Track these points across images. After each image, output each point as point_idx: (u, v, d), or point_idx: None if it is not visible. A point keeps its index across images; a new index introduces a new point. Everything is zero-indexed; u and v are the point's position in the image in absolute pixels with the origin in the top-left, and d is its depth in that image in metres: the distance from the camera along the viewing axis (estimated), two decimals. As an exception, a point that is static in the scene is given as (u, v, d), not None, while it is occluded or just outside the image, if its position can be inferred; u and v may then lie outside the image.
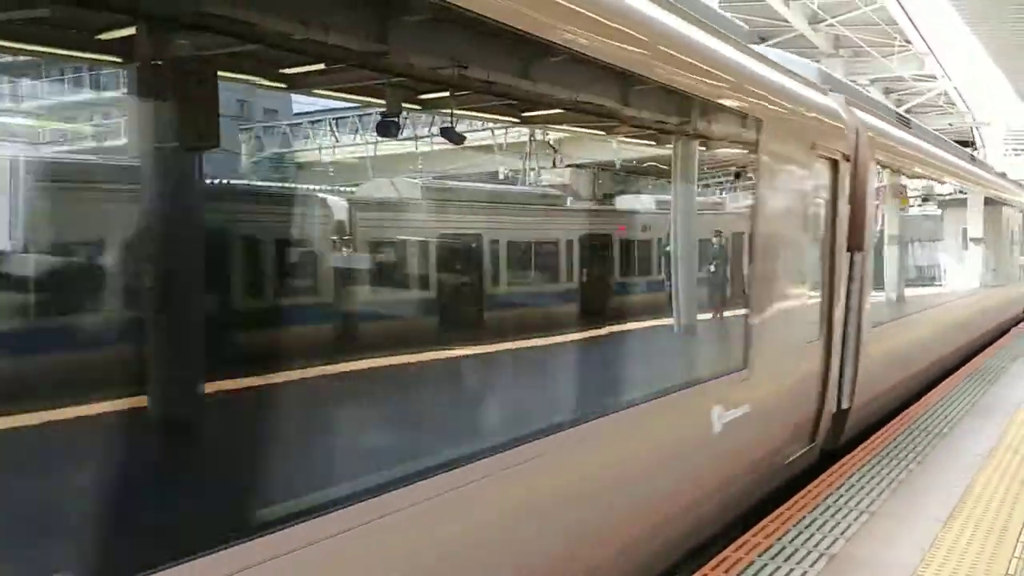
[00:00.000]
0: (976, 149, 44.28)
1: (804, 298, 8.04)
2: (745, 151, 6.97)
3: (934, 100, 32.33)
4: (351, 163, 4.85)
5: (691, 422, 6.18)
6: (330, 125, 4.92)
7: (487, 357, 4.74)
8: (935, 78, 29.64)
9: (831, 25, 24.91)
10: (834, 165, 8.51)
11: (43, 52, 2.97)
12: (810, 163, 7.94)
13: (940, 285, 14.47)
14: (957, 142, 43.70)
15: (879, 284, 10.37)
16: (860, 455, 8.74)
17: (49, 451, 2.87)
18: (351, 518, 3.51)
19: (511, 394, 5.02)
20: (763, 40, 28.05)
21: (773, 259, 7.35)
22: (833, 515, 6.95)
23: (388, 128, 4.28)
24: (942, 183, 13.80)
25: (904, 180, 11.35)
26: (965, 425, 10.22)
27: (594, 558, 5.20)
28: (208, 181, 3.44)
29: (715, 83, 6.39)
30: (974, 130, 40.04)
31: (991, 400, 11.80)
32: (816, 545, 6.31)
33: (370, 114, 4.54)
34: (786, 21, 24.40)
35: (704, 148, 6.63)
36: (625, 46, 5.21)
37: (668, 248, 6.35)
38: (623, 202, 6.67)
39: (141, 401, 3.07)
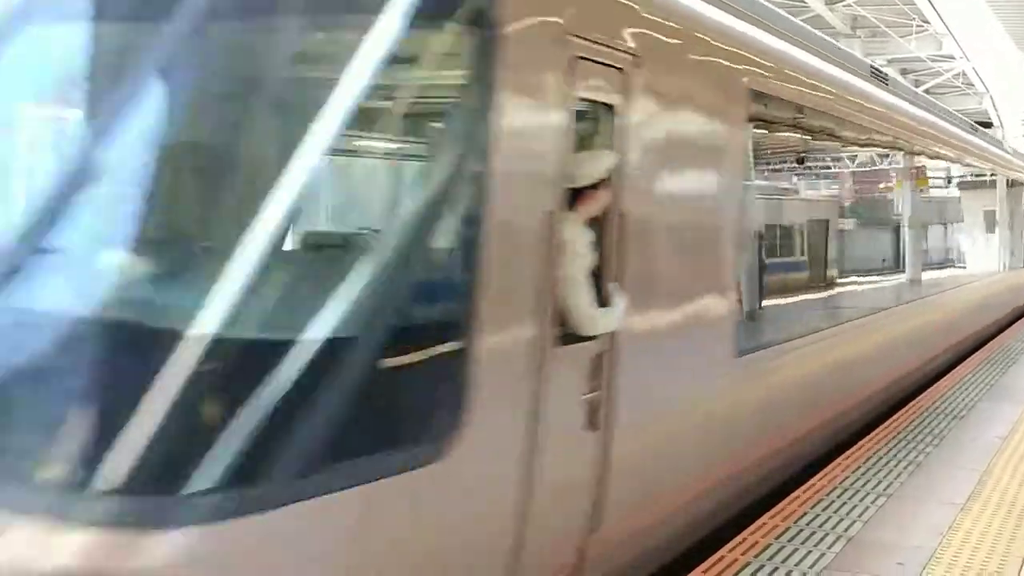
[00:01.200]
0: (996, 130, 43.95)
1: None
2: None
3: (952, 81, 32.00)
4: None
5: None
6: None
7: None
8: (953, 58, 29.32)
9: (848, 5, 24.67)
10: None
11: None
12: None
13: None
14: (977, 123, 43.33)
15: None
16: (877, 437, 8.71)
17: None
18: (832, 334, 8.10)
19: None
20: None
21: None
22: (851, 497, 6.93)
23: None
24: None
25: None
26: (983, 408, 10.17)
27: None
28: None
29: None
30: (992, 110, 39.68)
31: (1009, 382, 11.74)
32: (834, 527, 6.29)
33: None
34: (803, 1, 24.20)
35: None
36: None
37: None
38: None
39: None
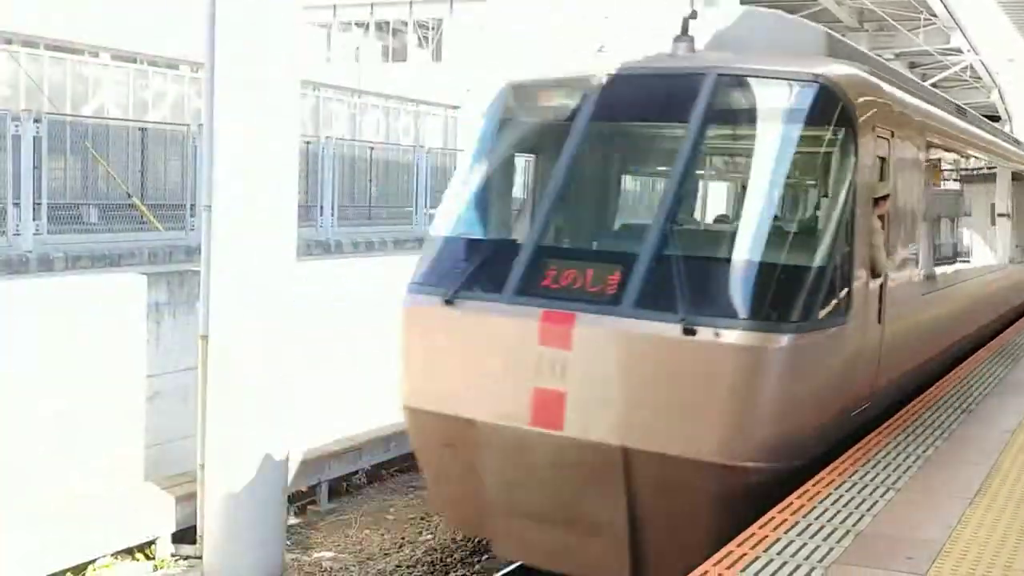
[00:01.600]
0: (1005, 122, 43.79)
1: None
2: None
3: (959, 74, 31.88)
4: None
5: None
6: None
7: None
8: (960, 52, 29.21)
9: (855, -1, 24.66)
10: None
11: None
12: None
13: None
14: (985, 116, 43.56)
15: None
16: (886, 431, 8.66)
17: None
18: None
19: None
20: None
21: None
22: (860, 492, 6.89)
23: None
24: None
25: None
26: (991, 402, 10.11)
27: None
28: None
29: None
30: (999, 104, 39.56)
31: (1017, 377, 11.68)
32: (843, 522, 6.26)
33: None
34: (811, -5, 24.19)
35: None
36: None
37: None
38: None
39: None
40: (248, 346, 9.30)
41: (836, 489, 6.93)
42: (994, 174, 13.48)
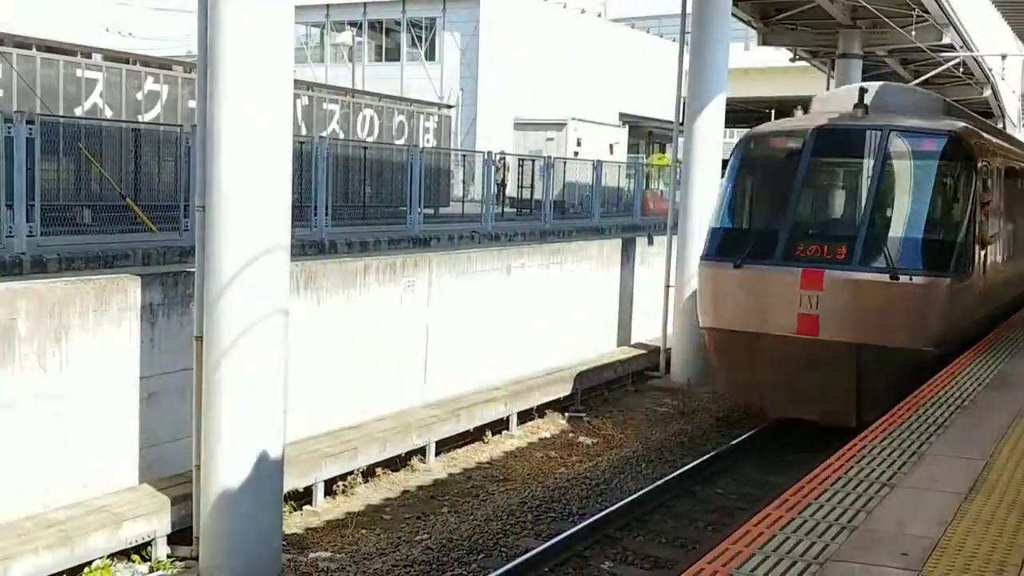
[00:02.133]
0: (997, 118, 43.83)
1: None
2: None
3: (952, 71, 31.88)
4: None
5: None
6: None
7: None
8: (953, 48, 29.21)
9: (848, -5, 24.64)
10: None
11: None
12: None
13: None
14: (978, 112, 43.41)
15: None
16: (881, 427, 8.68)
17: None
18: None
19: None
20: (779, 11, 27.78)
21: None
22: (855, 487, 6.90)
23: None
24: None
25: None
26: (984, 398, 10.14)
27: None
28: None
29: None
30: (992, 100, 39.57)
31: (1010, 371, 11.71)
32: (838, 518, 6.27)
33: None
34: (804, -8, 24.17)
35: None
36: None
37: None
38: None
39: None
40: (243, 347, 9.29)
41: (832, 485, 6.95)
42: None
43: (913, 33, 25.45)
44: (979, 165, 12.61)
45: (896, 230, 12.39)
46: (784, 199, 12.49)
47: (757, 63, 50.29)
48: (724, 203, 13.39)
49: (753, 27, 29.02)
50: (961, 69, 32.62)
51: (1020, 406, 9.71)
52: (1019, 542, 5.93)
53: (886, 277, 11.67)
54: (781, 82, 51.23)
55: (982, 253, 12.73)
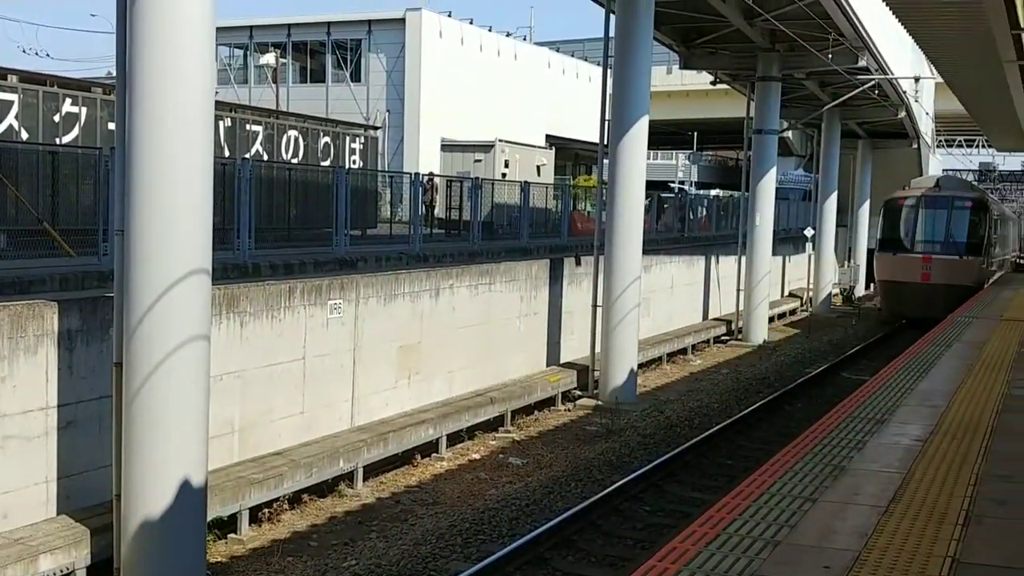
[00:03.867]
0: (912, 139, 45.14)
1: None
2: None
3: (868, 92, 32.78)
4: None
5: None
6: None
7: None
8: (869, 71, 30.06)
9: (766, 20, 25.17)
10: None
11: None
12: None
13: None
14: (889, 134, 44.70)
15: None
16: (802, 443, 8.83)
17: None
18: None
19: None
20: (700, 35, 28.30)
21: None
22: (778, 503, 7.01)
23: None
24: None
25: None
26: (902, 412, 10.39)
27: None
28: None
29: None
30: (907, 122, 40.74)
31: (926, 387, 12.02)
32: (761, 534, 6.35)
33: None
34: (723, 17, 24.64)
35: None
36: None
37: None
38: None
39: None
40: (163, 373, 9.11)
41: (755, 501, 7.04)
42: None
43: (830, 56, 26.11)
44: (988, 212, 30.97)
45: (958, 238, 30.08)
46: (912, 224, 30.59)
47: (680, 86, 51.15)
48: (888, 225, 31.24)
49: (675, 51, 29.49)
50: (877, 91, 33.56)
51: (936, 421, 9.97)
52: (937, 553, 6.07)
53: (956, 257, 29.52)
54: (703, 104, 52.22)
55: (989, 250, 30.35)
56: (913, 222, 30.32)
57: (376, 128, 29.28)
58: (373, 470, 13.86)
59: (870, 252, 46.30)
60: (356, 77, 40.01)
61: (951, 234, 29.93)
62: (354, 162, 21.59)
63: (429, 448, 15.06)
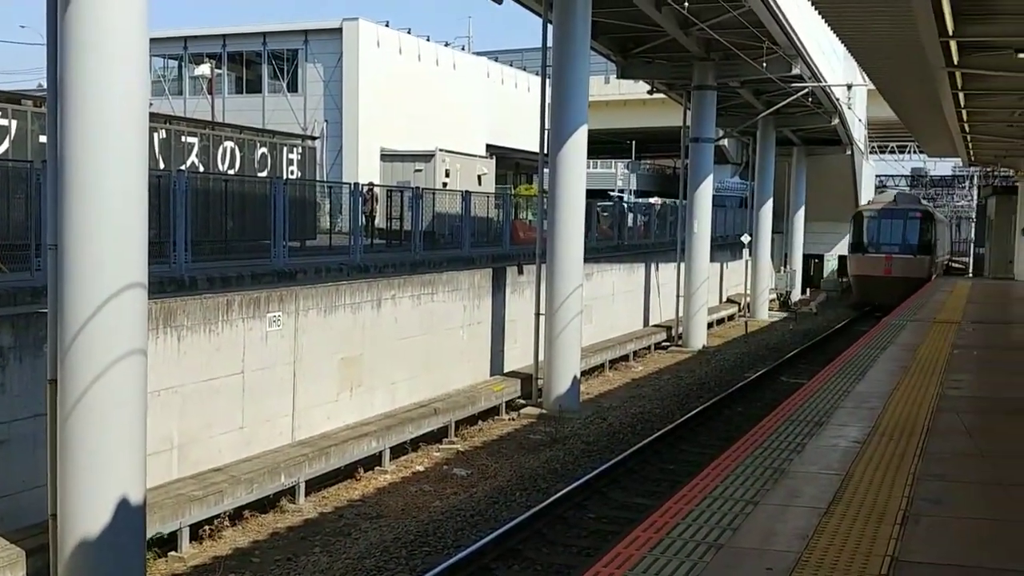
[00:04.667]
0: (846, 145, 46.04)
1: None
2: None
3: (802, 100, 33.39)
4: None
5: None
6: None
7: None
8: (802, 79, 30.62)
9: (702, 29, 25.52)
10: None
11: None
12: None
13: None
14: (823, 141, 45.20)
15: None
16: (742, 447, 8.95)
17: None
18: None
19: None
20: (636, 45, 28.59)
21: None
22: (720, 506, 7.09)
23: None
24: None
25: None
26: (841, 414, 10.57)
27: None
28: None
29: None
30: (840, 129, 41.55)
31: (863, 389, 12.25)
32: (704, 537, 6.42)
33: None
34: (659, 26, 24.93)
35: None
36: None
37: None
38: None
39: None
40: (99, 389, 8.94)
41: (697, 505, 7.11)
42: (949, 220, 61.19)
43: (764, 65, 26.57)
44: (933, 221, 40.74)
45: (912, 241, 39.03)
46: (876, 231, 39.53)
47: (618, 95, 51.60)
48: (857, 232, 39.82)
49: (612, 60, 29.77)
50: (810, 99, 34.21)
51: (873, 422, 10.16)
52: (876, 553, 6.19)
53: (912, 255, 38.56)
54: (641, 113, 52.68)
55: (934, 250, 40.00)
56: (876, 230, 39.74)
57: (314, 138, 29.07)
58: (315, 485, 13.73)
59: (806, 257, 48.30)
60: (293, 87, 39.70)
61: (906, 238, 39.39)
62: (292, 173, 21.40)
63: (372, 461, 14.96)
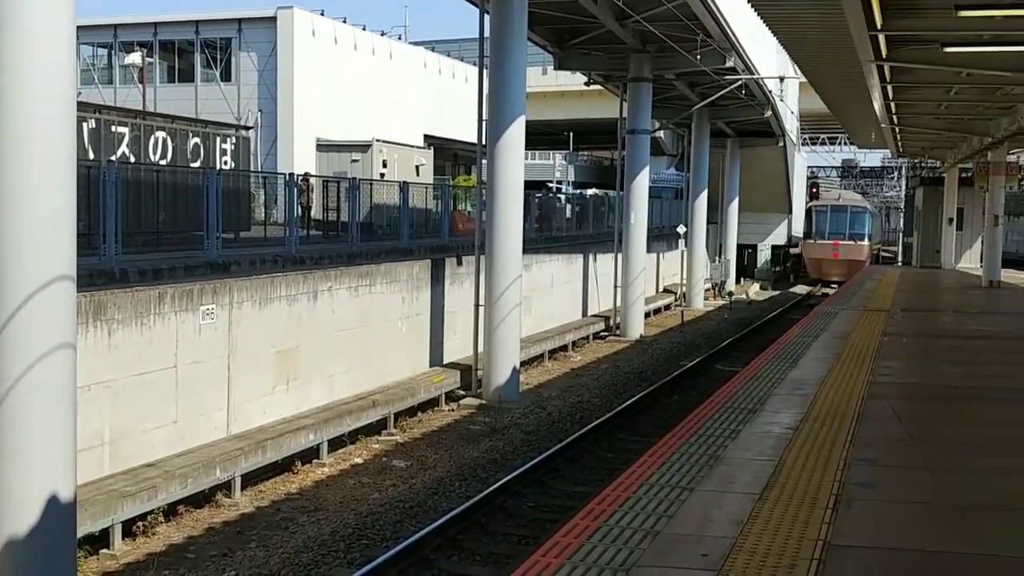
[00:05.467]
0: (778, 137, 46.71)
1: None
2: None
3: (736, 92, 33.76)
4: None
5: None
6: None
7: None
8: (736, 71, 30.94)
9: (637, 22, 25.64)
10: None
11: None
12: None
13: None
14: (756, 133, 45.50)
15: None
16: (678, 434, 9.03)
17: None
18: None
19: None
20: (573, 36, 28.65)
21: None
22: (656, 493, 7.14)
23: None
24: None
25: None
26: (774, 401, 10.72)
27: None
28: None
29: None
30: (773, 121, 42.11)
31: (797, 375, 12.44)
32: (641, 524, 6.46)
33: None
34: (595, 18, 24.99)
35: None
36: None
37: None
38: None
39: None
40: (27, 384, 8.71)
41: (635, 492, 7.16)
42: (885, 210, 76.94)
43: (699, 57, 26.78)
44: (870, 214, 51.56)
45: (855, 231, 47.86)
46: (824, 222, 47.99)
47: (555, 87, 51.74)
48: (809, 223, 49.31)
49: (549, 51, 29.79)
50: (744, 91, 34.61)
51: (806, 409, 10.32)
52: (809, 537, 6.28)
53: (853, 242, 47.18)
54: (578, 105, 52.97)
55: (872, 237, 50.91)
56: (826, 221, 48.58)
57: (248, 128, 28.67)
58: (252, 479, 13.56)
59: (740, 247, 49.16)
60: (226, 76, 39.07)
61: (851, 227, 48.46)
62: (225, 163, 21.05)
63: (310, 454, 14.82)
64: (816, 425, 9.51)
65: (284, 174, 18.58)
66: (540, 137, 55.03)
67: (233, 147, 21.76)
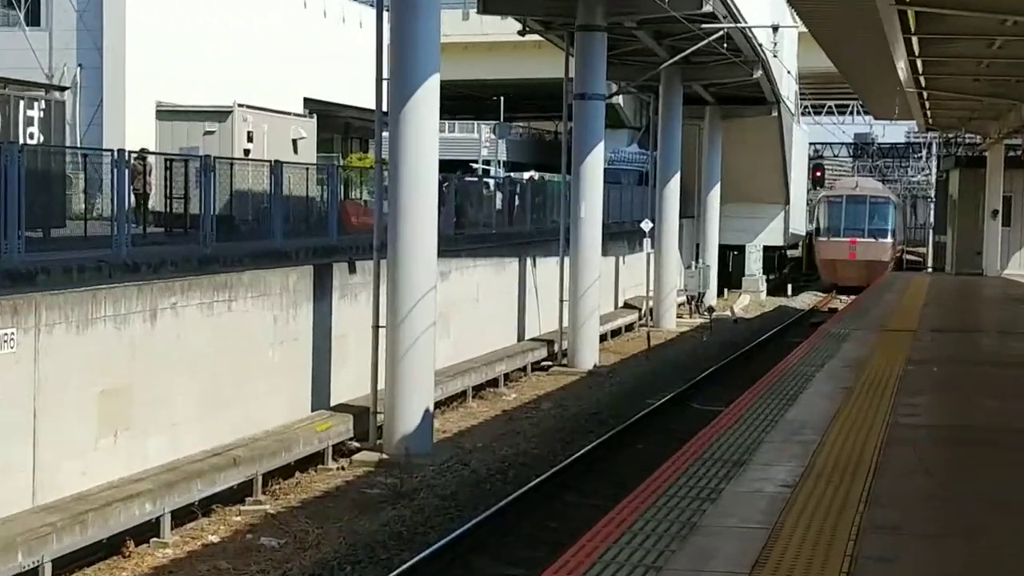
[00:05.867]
0: (772, 105, 47.29)
1: None
2: None
3: (715, 46, 33.87)
4: None
5: None
6: None
7: None
8: (716, 18, 31.20)
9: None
10: None
11: None
12: None
13: None
14: (743, 100, 46.11)
15: None
16: (642, 495, 9.03)
17: None
18: None
19: None
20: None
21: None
22: (615, 573, 7.11)
23: None
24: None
25: None
26: (767, 450, 10.78)
27: None
28: None
29: None
30: (765, 83, 42.58)
31: (794, 416, 12.53)
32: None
33: None
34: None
35: None
36: None
37: None
38: None
39: None
40: None
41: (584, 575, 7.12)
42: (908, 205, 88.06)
43: (667, 2, 26.95)
44: (894, 206, 62.33)
45: (876, 226, 57.60)
46: (840, 216, 57.57)
47: (480, 36, 51.82)
48: (823, 217, 58.60)
49: (472, -12, 29.85)
50: (727, 45, 34.93)
51: (807, 460, 10.39)
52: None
53: (874, 239, 56.67)
54: (511, 61, 53.07)
55: (896, 234, 61.36)
56: (841, 214, 55.97)
57: (63, 89, 28.27)
58: (66, 564, 13.30)
59: (723, 249, 49.81)
60: (34, 20, 38.46)
61: (872, 222, 55.77)
62: (32, 136, 20.77)
63: (148, 530, 14.60)
64: (821, 482, 9.58)
65: (112, 151, 18.33)
66: (462, 103, 55.24)
67: (42, 114, 21.46)
